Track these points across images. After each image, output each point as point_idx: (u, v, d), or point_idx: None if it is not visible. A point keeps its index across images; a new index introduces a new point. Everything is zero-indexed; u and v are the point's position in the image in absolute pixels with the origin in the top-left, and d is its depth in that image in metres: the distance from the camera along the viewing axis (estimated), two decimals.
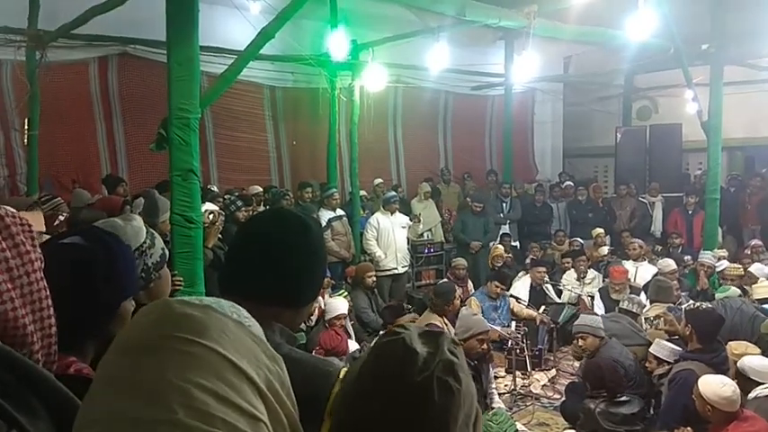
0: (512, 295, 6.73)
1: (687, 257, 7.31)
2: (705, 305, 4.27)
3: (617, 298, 6.17)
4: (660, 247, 8.29)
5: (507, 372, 5.80)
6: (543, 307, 6.82)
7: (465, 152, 11.49)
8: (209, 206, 4.75)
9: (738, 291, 5.45)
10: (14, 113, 6.55)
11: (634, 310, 5.52)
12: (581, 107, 12.61)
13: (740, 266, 6.26)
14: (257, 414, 0.62)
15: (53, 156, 6.81)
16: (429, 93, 10.35)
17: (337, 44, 6.16)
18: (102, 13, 5.19)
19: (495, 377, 5.33)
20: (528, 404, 5.31)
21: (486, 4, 6.09)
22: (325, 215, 7.11)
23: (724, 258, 7.03)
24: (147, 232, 1.74)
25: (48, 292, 0.77)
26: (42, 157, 6.21)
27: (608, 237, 8.83)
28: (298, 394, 0.76)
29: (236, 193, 6.69)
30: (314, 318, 5.21)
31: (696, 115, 7.50)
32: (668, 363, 4.14)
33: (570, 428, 4.45)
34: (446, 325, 5.60)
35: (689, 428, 3.55)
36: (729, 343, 4.03)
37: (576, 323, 4.83)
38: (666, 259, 6.89)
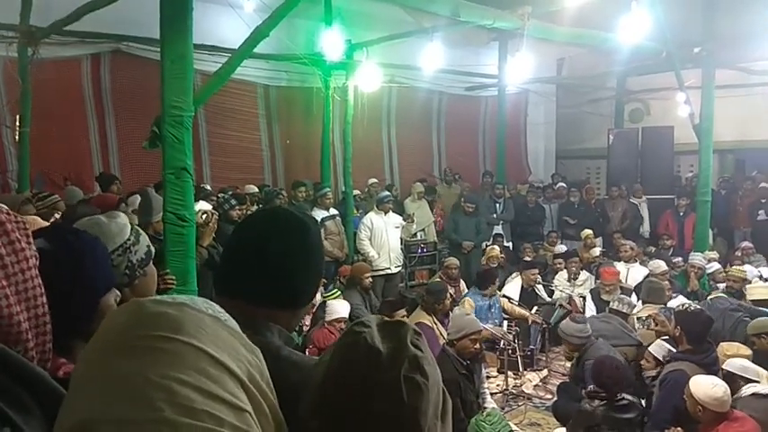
0: (504, 295, 6.75)
1: (678, 259, 7.36)
2: (694, 306, 4.30)
3: (607, 299, 6.20)
4: (653, 249, 8.33)
5: (499, 372, 5.81)
6: (536, 307, 6.85)
7: (458, 153, 11.52)
8: (202, 206, 4.74)
9: (724, 296, 5.48)
10: (6, 110, 6.51)
11: (624, 311, 5.55)
12: (574, 109, 12.67)
13: (744, 270, 6.28)
14: (241, 405, 0.62)
15: (45, 153, 6.76)
16: (423, 93, 10.37)
17: (332, 43, 6.16)
18: (96, 10, 5.17)
19: (488, 377, 5.35)
20: (520, 404, 5.33)
21: (481, 5, 6.10)
22: (318, 214, 7.09)
23: (714, 260, 7.09)
24: (131, 229, 1.74)
25: (42, 290, 0.77)
26: (34, 154, 6.17)
27: (599, 238, 8.87)
28: (297, 396, 0.76)
29: (230, 192, 6.67)
30: (309, 316, 5.20)
31: (688, 118, 7.56)
32: (660, 363, 4.17)
33: (562, 428, 4.47)
34: (435, 324, 5.62)
35: (679, 429, 3.57)
36: (721, 344, 4.06)
37: (559, 327, 4.89)
38: (657, 260, 6.93)
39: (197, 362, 0.61)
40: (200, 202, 4.93)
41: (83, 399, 0.60)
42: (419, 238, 8.54)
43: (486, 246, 8.59)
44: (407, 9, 7.05)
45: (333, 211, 7.38)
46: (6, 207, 0.78)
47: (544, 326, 6.37)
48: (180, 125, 3.56)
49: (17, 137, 6.14)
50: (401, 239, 7.76)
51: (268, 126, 9.05)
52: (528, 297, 6.98)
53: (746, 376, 3.63)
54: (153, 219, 4.11)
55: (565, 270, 7.42)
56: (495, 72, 10.05)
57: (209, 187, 7.23)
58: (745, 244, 7.74)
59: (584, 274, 7.35)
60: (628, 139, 11.31)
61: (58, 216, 3.75)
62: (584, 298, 6.82)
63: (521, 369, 5.79)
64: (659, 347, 4.32)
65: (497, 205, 9.23)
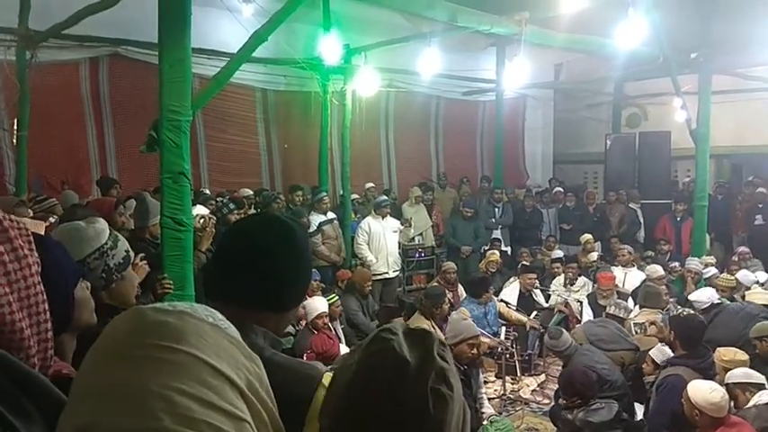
0: (501, 300, 6.75)
1: (675, 264, 7.38)
2: (687, 311, 4.32)
3: (604, 304, 6.21)
4: (651, 253, 8.34)
5: (497, 377, 5.82)
6: (535, 312, 6.85)
7: (456, 157, 11.54)
8: (200, 210, 4.73)
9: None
10: (4, 113, 6.50)
11: (621, 315, 5.56)
12: (571, 114, 12.71)
13: (732, 278, 6.30)
14: (240, 414, 0.62)
15: (42, 156, 6.75)
16: (421, 97, 10.40)
17: (330, 48, 6.16)
18: (94, 14, 5.17)
19: (485, 382, 5.35)
20: (517, 409, 5.33)
21: (478, 10, 6.12)
22: (315, 219, 7.10)
23: (712, 265, 7.10)
24: (109, 234, 1.80)
25: (44, 297, 0.77)
26: (32, 157, 6.16)
27: (598, 243, 8.88)
28: (279, 397, 0.77)
29: (228, 196, 6.67)
30: (303, 322, 5.19)
31: (685, 123, 7.59)
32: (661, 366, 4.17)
33: None
34: (434, 328, 5.61)
35: None
36: (718, 349, 4.07)
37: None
38: (654, 265, 6.94)
39: (197, 372, 0.61)
40: (198, 206, 4.92)
41: (84, 406, 0.60)
42: (417, 242, 8.54)
43: (485, 250, 8.61)
44: (405, 14, 7.07)
45: (330, 215, 7.38)
46: (13, 216, 0.79)
47: (542, 331, 6.37)
48: (178, 129, 3.56)
49: (15, 140, 6.13)
50: (399, 244, 7.76)
51: (266, 130, 9.05)
52: (526, 302, 6.98)
53: (753, 382, 3.62)
54: (149, 223, 4.11)
55: (562, 275, 7.43)
56: (492, 77, 10.09)
57: (207, 191, 7.22)
58: (742, 249, 7.76)
59: (581, 279, 7.36)
60: (625, 144, 11.34)
61: (53, 220, 3.74)
62: (580, 303, 6.82)
63: (518, 374, 5.79)
64: (659, 352, 4.33)
65: (496, 210, 9.25)
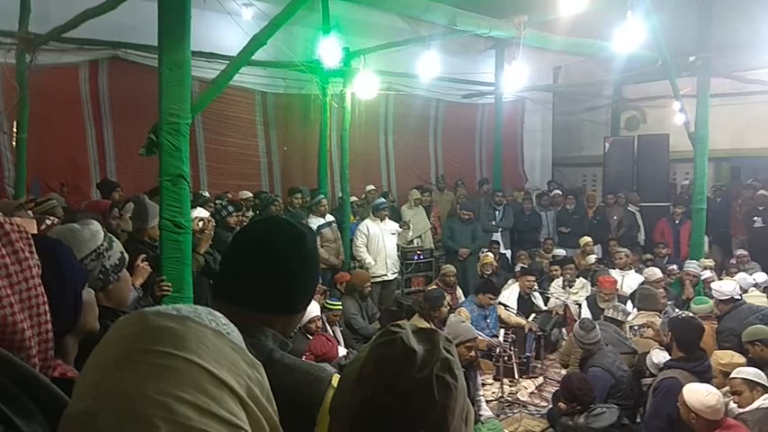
0: (500, 303, 6.76)
1: (673, 266, 7.39)
2: (685, 313, 4.32)
3: (604, 306, 6.21)
4: (650, 256, 8.36)
5: (495, 379, 5.82)
6: (533, 315, 6.86)
7: (455, 160, 11.56)
8: (199, 212, 4.75)
9: (712, 304, 5.49)
10: (3, 116, 6.52)
11: (619, 318, 5.56)
12: (570, 117, 12.74)
13: (732, 281, 6.30)
14: (238, 423, 0.62)
15: (42, 159, 6.77)
16: (420, 100, 10.42)
17: (329, 51, 6.19)
18: (94, 17, 5.18)
19: (483, 384, 5.35)
20: (515, 411, 5.33)
21: (477, 13, 6.14)
22: (314, 222, 7.10)
23: (710, 268, 7.12)
24: (104, 236, 1.81)
25: (45, 299, 0.78)
26: (31, 160, 6.18)
27: (598, 245, 8.90)
28: (289, 399, 0.78)
29: (227, 199, 6.68)
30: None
31: (683, 126, 7.60)
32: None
33: None
34: None
35: None
36: (715, 352, 4.08)
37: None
38: (652, 268, 6.96)
39: (197, 379, 0.62)
40: (197, 208, 4.94)
41: (83, 412, 0.60)
42: (416, 244, 8.55)
43: (483, 252, 8.62)
44: (404, 17, 7.10)
45: (329, 218, 7.39)
46: (15, 219, 0.80)
47: (540, 333, 6.38)
48: (177, 132, 3.58)
49: (14, 143, 6.14)
50: (398, 246, 7.77)
51: (265, 133, 9.07)
52: (525, 304, 6.99)
53: (763, 383, 3.62)
54: (148, 225, 4.12)
55: (561, 277, 7.45)
56: (491, 80, 10.12)
57: (206, 194, 7.24)
58: (740, 252, 7.77)
59: (579, 282, 7.37)
60: (624, 147, 11.37)
61: (49, 222, 3.75)
62: (579, 305, 6.84)
63: (516, 376, 5.79)
64: (655, 356, 4.34)
65: (496, 212, 9.26)
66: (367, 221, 7.42)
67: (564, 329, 6.80)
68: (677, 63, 7.52)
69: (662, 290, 6.26)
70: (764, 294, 6.15)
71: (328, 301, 5.74)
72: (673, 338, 3.99)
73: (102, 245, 1.76)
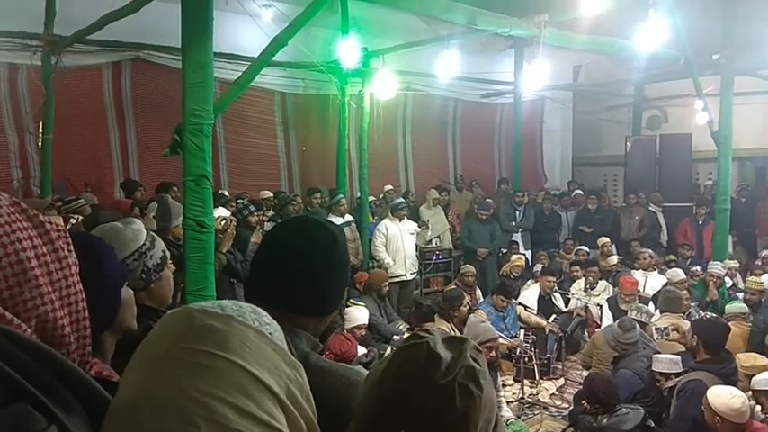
0: (520, 303, 6.72)
1: (696, 268, 7.29)
2: (710, 315, 4.26)
3: (626, 308, 6.14)
4: (674, 257, 8.25)
5: (515, 380, 5.79)
6: (554, 316, 6.81)
7: (474, 160, 11.53)
8: (221, 212, 4.80)
9: (746, 307, 5.41)
10: (29, 117, 6.65)
11: (642, 320, 5.49)
12: (591, 116, 12.61)
13: (761, 281, 6.19)
14: (277, 425, 0.63)
15: (66, 159, 6.89)
16: (438, 100, 10.40)
17: (348, 52, 6.21)
18: (118, 20, 5.26)
19: (504, 385, 5.33)
20: (536, 413, 5.30)
21: (497, 13, 6.11)
22: (334, 222, 7.14)
23: (735, 268, 7.01)
24: (147, 234, 1.80)
25: (83, 295, 0.80)
26: (56, 160, 6.29)
27: (613, 246, 8.80)
28: (326, 403, 0.78)
29: (247, 198, 6.74)
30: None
31: (706, 125, 7.49)
32: (675, 375, 4.12)
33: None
34: (453, 331, 5.60)
35: None
36: (738, 355, 4.02)
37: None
38: (675, 269, 6.87)
39: (238, 380, 0.62)
40: (219, 208, 4.99)
41: (126, 407, 0.62)
42: (434, 244, 8.54)
43: (502, 253, 8.57)
44: (423, 17, 7.08)
45: (348, 218, 7.42)
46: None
47: (561, 334, 6.34)
48: (200, 133, 3.62)
49: (40, 143, 6.26)
50: (416, 246, 7.77)
51: (285, 133, 9.13)
52: (545, 305, 6.95)
53: None
54: (171, 224, 4.17)
55: (582, 278, 7.38)
56: (511, 79, 10.05)
57: (226, 193, 7.31)
58: (766, 252, 7.64)
59: (602, 283, 7.29)
60: (645, 147, 11.23)
61: (73, 221, 3.81)
62: (600, 306, 6.77)
63: (537, 377, 5.76)
64: (658, 362, 4.27)
65: (517, 213, 9.20)
66: (386, 221, 7.43)
67: (586, 331, 6.74)
68: (700, 61, 7.41)
69: (685, 291, 6.18)
70: None
71: (351, 300, 5.75)
72: (699, 341, 3.93)
73: (144, 244, 1.75)
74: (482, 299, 6.92)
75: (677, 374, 4.13)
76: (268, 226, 5.56)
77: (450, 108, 11.03)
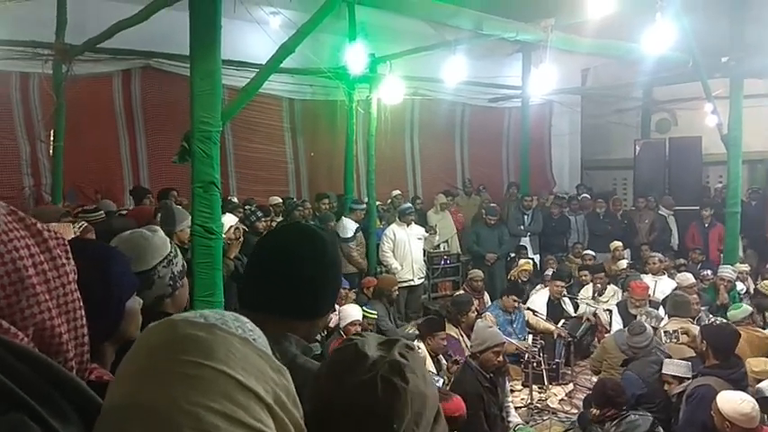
0: (528, 308, 6.69)
1: (706, 272, 7.23)
2: (719, 320, 4.22)
3: (635, 313, 6.10)
4: (684, 261, 8.18)
5: (524, 385, 5.76)
6: (563, 321, 6.77)
7: (482, 164, 11.51)
8: (231, 219, 4.82)
9: (750, 308, 5.35)
10: (41, 125, 6.72)
11: (652, 324, 5.46)
12: (599, 119, 12.55)
13: None
14: (266, 430, 0.64)
15: (77, 166, 6.95)
16: (446, 105, 10.40)
17: (355, 57, 6.23)
18: (127, 28, 5.32)
19: (512, 391, 5.30)
20: (545, 418, 5.27)
21: (504, 17, 6.10)
22: (351, 226, 7.18)
23: (746, 272, 6.93)
24: (170, 242, 1.84)
25: (81, 303, 0.81)
26: (67, 167, 6.34)
27: (627, 250, 8.75)
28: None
29: (255, 204, 6.77)
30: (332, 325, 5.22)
31: (716, 128, 7.44)
32: (685, 379, 4.09)
33: None
34: (461, 336, 5.60)
35: None
36: (748, 360, 3.98)
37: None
38: (685, 273, 6.81)
39: (225, 388, 0.63)
40: (227, 214, 5.01)
41: (114, 421, 0.62)
42: (442, 249, 8.53)
43: (511, 257, 8.54)
44: (430, 23, 7.09)
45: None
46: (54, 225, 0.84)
47: (569, 339, 6.30)
48: (208, 140, 3.64)
49: (51, 151, 6.32)
50: (424, 251, 7.76)
51: (293, 139, 9.17)
52: (554, 310, 6.91)
53: None
54: (176, 228, 4.20)
55: (590, 284, 7.34)
56: (518, 83, 10.03)
57: (235, 199, 7.34)
58: None
59: (610, 288, 7.24)
60: (655, 150, 11.16)
61: (76, 228, 3.84)
62: (609, 311, 6.73)
63: (546, 383, 5.73)
64: (674, 366, 4.24)
65: (525, 217, 9.17)
66: (393, 226, 7.43)
67: (597, 336, 6.70)
68: (709, 64, 7.36)
69: (695, 295, 6.12)
70: None
71: (365, 308, 5.73)
72: (708, 346, 3.90)
73: (171, 251, 1.79)
74: (490, 303, 6.90)
75: (686, 379, 4.10)
76: None
77: (458, 112, 11.03)
